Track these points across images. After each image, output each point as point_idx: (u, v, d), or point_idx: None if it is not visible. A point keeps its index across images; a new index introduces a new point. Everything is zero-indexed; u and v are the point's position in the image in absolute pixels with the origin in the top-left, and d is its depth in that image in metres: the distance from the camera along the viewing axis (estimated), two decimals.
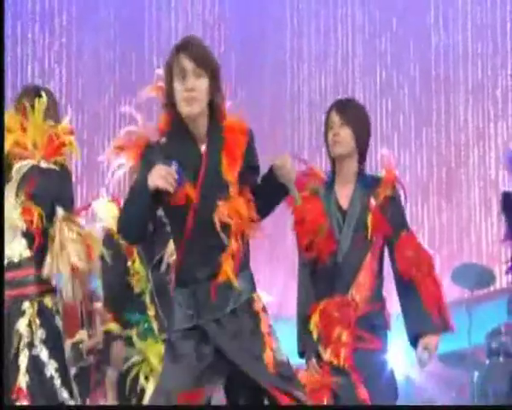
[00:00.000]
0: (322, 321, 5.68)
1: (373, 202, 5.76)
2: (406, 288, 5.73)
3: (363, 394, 5.58)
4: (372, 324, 5.72)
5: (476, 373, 10.64)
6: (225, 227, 4.61)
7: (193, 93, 4.58)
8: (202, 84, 4.61)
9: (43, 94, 6.22)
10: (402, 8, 13.90)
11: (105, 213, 7.19)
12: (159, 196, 4.60)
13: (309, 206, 5.74)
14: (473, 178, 13.42)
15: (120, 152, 4.95)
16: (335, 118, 5.76)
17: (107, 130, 13.70)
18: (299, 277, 5.92)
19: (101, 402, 8.70)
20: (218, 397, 5.07)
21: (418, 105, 13.80)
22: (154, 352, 6.92)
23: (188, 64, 4.62)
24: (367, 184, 5.85)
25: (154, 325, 7.01)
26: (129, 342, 6.94)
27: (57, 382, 5.97)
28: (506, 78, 13.54)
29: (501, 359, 10.28)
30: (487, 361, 10.48)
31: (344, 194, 5.81)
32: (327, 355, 5.65)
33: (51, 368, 6.02)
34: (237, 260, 4.65)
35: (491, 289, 11.55)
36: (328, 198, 5.83)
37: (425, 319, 5.68)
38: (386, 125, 13.90)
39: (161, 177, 4.52)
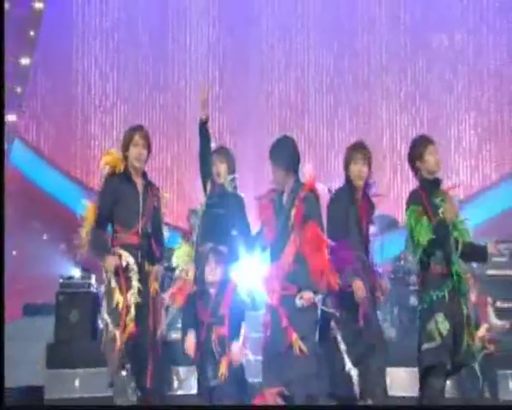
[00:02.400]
0: (266, 280, 6.05)
1: (296, 201, 5.97)
2: (302, 257, 5.87)
3: (285, 322, 5.84)
4: (293, 278, 5.88)
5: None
6: None
7: None
8: None
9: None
10: (342, 33, 14.31)
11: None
12: None
13: (264, 210, 6.15)
14: (385, 152, 13.89)
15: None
16: (271, 161, 6.11)
17: (145, 116, 13.98)
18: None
19: None
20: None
21: (351, 101, 14.22)
22: None
23: None
24: (298, 188, 6.01)
25: None
26: None
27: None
28: (406, 85, 14.13)
29: (401, 274, 10.26)
30: (392, 275, 10.24)
31: (285, 196, 6.07)
32: (268, 300, 5.99)
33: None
34: None
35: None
36: (279, 202, 6.11)
37: (307, 278, 5.83)
38: (330, 115, 14.30)
39: None
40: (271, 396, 5.81)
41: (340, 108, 14.27)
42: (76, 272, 10.88)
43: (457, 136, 14.01)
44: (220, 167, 6.80)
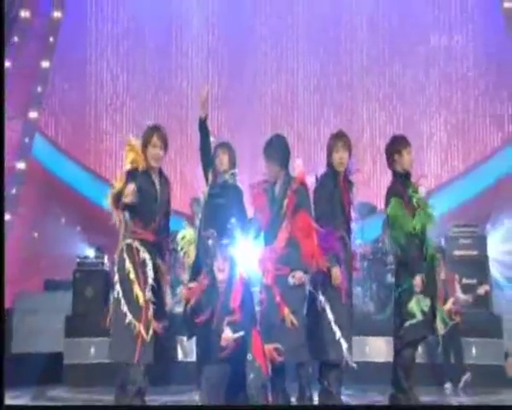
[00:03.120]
0: (260, 262, 6.14)
1: (288, 192, 6.07)
2: (293, 242, 5.98)
3: (278, 299, 5.94)
4: (286, 260, 5.98)
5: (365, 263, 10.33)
6: None
7: None
8: None
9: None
10: (328, 40, 14.29)
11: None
12: None
13: (258, 198, 6.22)
14: (366, 146, 13.83)
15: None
16: (265, 157, 6.18)
17: (152, 111, 13.85)
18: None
19: None
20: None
21: (335, 101, 14.25)
22: None
23: None
24: (289, 180, 6.13)
25: None
26: None
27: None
28: (384, 87, 14.20)
29: (379, 255, 10.28)
30: (371, 256, 10.39)
31: (277, 187, 6.17)
32: (263, 280, 6.09)
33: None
34: None
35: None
36: (271, 191, 6.17)
37: (298, 260, 5.94)
38: (317, 113, 14.28)
39: None
40: (268, 351, 5.89)
41: (326, 107, 14.27)
42: (91, 253, 11.03)
43: (429, 132, 14.08)
44: (223, 158, 6.75)
